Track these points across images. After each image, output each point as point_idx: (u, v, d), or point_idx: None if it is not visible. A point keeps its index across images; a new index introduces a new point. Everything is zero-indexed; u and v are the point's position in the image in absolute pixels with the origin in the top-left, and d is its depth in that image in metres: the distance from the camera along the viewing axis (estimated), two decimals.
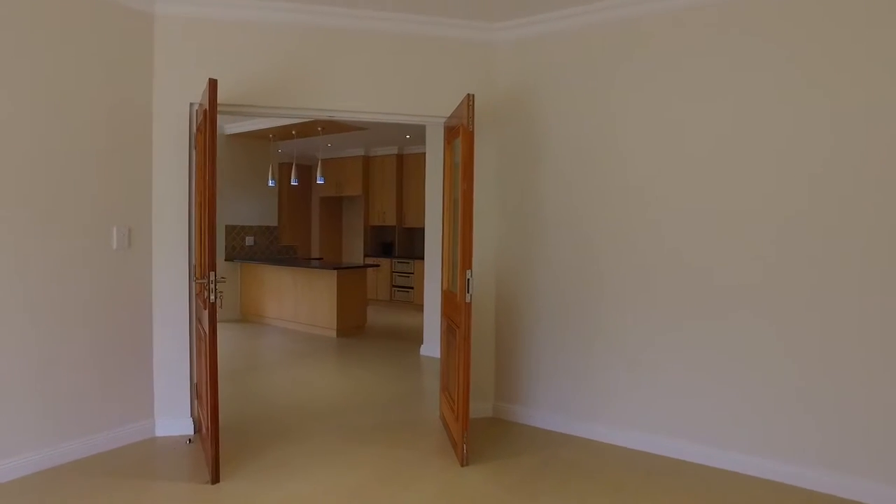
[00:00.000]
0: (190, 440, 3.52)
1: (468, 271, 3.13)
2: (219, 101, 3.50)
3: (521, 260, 3.91)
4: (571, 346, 3.72)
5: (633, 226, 3.47)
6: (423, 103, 3.90)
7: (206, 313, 2.98)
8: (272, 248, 8.76)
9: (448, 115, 3.81)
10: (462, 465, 3.18)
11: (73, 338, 3.17)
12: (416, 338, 6.89)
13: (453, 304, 3.53)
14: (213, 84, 2.88)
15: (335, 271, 6.96)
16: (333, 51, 3.75)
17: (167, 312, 3.58)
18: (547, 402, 3.82)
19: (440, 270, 5.82)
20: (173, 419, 3.61)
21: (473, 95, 3.14)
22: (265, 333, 7.31)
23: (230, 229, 8.18)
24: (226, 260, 8.11)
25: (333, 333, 7.05)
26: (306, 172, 10.78)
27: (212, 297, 2.89)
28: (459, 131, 3.29)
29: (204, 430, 3.18)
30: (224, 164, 8.07)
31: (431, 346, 6.00)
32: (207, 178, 2.93)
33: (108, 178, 3.32)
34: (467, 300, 3.14)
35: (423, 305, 9.42)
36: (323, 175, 10.67)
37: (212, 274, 2.89)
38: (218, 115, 3.55)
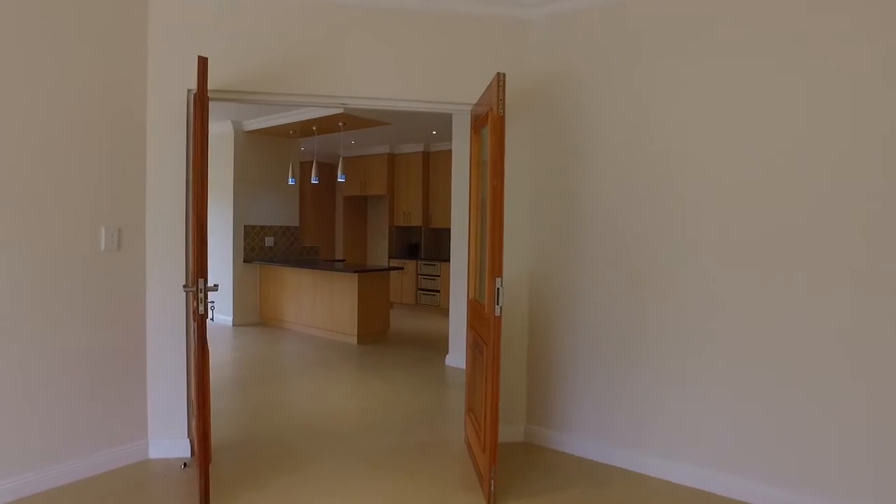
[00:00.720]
0: (185, 464, 3.16)
1: (498, 279, 2.69)
2: (218, 87, 3.15)
3: (556, 266, 3.46)
4: (613, 364, 3.24)
5: (683, 228, 2.99)
6: (448, 89, 3.47)
7: (195, 326, 2.61)
8: (293, 249, 8.45)
9: (475, 101, 3.39)
10: None
11: (56, 348, 2.83)
12: (442, 346, 6.46)
13: (480, 316, 3.10)
14: (202, 63, 2.51)
15: (356, 274, 6.58)
16: (346, 31, 3.35)
17: (161, 321, 3.23)
18: (586, 426, 3.36)
19: (466, 275, 5.40)
20: (169, 440, 3.25)
21: (504, 74, 2.70)
22: (282, 339, 6.97)
23: (249, 230, 7.88)
24: (244, 261, 7.81)
25: (354, 340, 6.68)
26: (329, 171, 10.46)
27: (201, 307, 2.51)
28: (488, 118, 2.86)
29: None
30: (243, 162, 7.78)
31: (458, 356, 5.57)
32: (198, 169, 2.56)
33: (97, 173, 2.97)
34: (497, 313, 2.70)
35: (449, 310, 8.96)
36: (346, 173, 10.36)
37: (201, 282, 2.51)
38: (218, 102, 3.19)
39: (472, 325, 3.42)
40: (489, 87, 2.82)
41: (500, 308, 2.71)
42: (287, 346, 6.58)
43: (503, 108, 2.70)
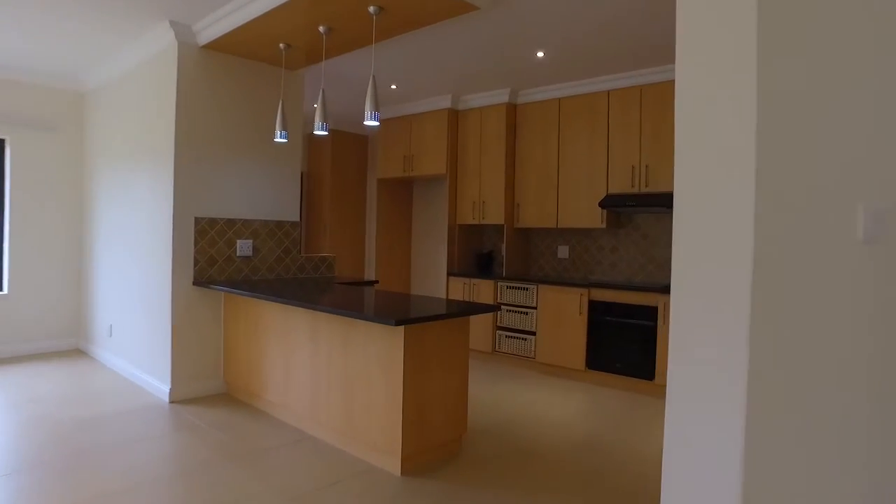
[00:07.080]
0: None
1: None
2: None
3: None
4: None
5: None
6: None
7: None
8: (288, 261, 4.88)
9: None
10: None
11: None
12: (584, 483, 2.77)
13: None
14: None
15: (401, 328, 2.95)
16: None
17: None
18: None
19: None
20: None
21: None
22: (245, 452, 3.37)
23: (206, 226, 4.34)
24: (194, 284, 4.27)
25: (396, 466, 3.05)
26: (358, 144, 6.99)
27: None
28: None
29: None
30: (195, 106, 4.25)
31: None
32: None
33: None
34: None
35: (550, 365, 5.20)
36: (385, 144, 6.81)
37: None
38: None
39: None
40: None
41: None
42: (240, 484, 2.96)
43: None
